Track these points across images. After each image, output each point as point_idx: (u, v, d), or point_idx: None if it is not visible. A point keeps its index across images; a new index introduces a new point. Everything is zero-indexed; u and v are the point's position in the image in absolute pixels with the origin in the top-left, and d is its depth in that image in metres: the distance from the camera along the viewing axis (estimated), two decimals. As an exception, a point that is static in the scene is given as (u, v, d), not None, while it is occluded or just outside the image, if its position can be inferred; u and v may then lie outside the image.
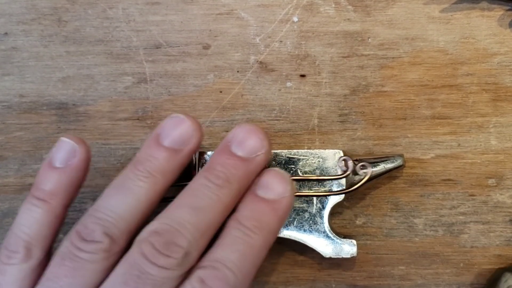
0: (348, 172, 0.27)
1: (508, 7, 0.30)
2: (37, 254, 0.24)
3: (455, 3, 0.30)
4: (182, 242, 0.22)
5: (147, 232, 0.23)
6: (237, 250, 0.23)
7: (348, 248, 0.27)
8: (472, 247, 0.29)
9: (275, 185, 0.25)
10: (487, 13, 0.30)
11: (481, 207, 0.29)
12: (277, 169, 0.26)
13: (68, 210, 0.26)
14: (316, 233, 0.27)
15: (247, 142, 0.25)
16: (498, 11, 0.30)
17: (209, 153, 0.28)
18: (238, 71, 0.30)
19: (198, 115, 0.30)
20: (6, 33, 0.31)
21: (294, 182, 0.27)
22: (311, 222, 0.27)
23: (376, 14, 0.30)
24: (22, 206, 0.25)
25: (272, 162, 0.27)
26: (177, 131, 0.25)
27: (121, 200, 0.24)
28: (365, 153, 0.30)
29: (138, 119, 0.30)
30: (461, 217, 0.29)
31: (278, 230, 0.25)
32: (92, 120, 0.30)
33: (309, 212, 0.27)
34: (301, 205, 0.27)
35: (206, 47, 0.31)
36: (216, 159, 0.25)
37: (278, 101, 0.30)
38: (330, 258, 0.27)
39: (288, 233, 0.27)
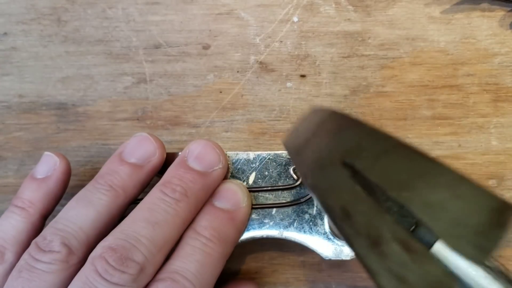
0: (298, 182, 0.27)
1: (509, 8, 0.30)
2: (10, 258, 0.24)
3: (456, 4, 0.30)
4: (137, 257, 0.22)
5: (101, 247, 0.22)
6: (196, 260, 0.23)
7: (348, 250, 0.27)
8: (472, 248, 0.29)
9: (232, 196, 0.26)
10: (488, 13, 0.30)
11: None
12: (233, 180, 0.27)
13: (45, 221, 0.26)
14: (316, 235, 0.27)
15: (205, 157, 0.26)
16: (499, 12, 0.30)
17: None
18: (238, 71, 0.30)
19: (198, 115, 0.30)
20: (5, 33, 0.31)
21: (253, 193, 0.27)
22: (311, 223, 0.27)
23: (376, 14, 0.30)
24: (3, 215, 0.26)
25: (273, 163, 0.27)
26: (140, 148, 0.26)
27: (81, 212, 0.24)
28: (365, 153, 0.29)
29: (137, 119, 0.30)
30: (461, 218, 0.29)
31: (236, 240, 0.26)
32: (92, 120, 0.30)
33: (309, 214, 0.27)
34: (302, 207, 0.27)
35: (206, 47, 0.30)
36: (173, 173, 0.25)
37: (278, 101, 0.30)
38: (330, 260, 0.27)
39: (288, 234, 0.27)
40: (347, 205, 0.18)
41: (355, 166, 0.18)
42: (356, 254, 0.17)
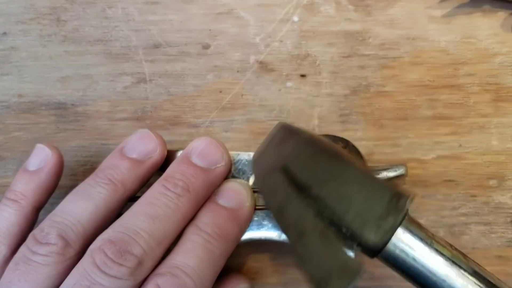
0: None
1: (511, 11, 0.29)
2: (4, 251, 0.24)
3: (457, 7, 0.30)
4: (136, 251, 0.22)
5: (100, 240, 0.22)
6: (197, 256, 0.23)
7: None
8: (473, 248, 0.29)
9: (236, 195, 0.26)
10: (489, 13, 0.30)
11: (482, 208, 0.29)
12: (238, 179, 0.27)
13: (38, 214, 0.26)
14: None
15: (208, 154, 0.25)
16: (501, 14, 0.30)
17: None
18: (238, 71, 0.30)
19: (198, 115, 0.30)
20: (4, 33, 0.31)
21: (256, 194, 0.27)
22: None
23: (376, 13, 0.30)
24: None
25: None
26: (141, 144, 0.26)
27: (79, 205, 0.24)
28: (365, 153, 0.29)
29: (137, 119, 0.30)
30: (462, 218, 0.29)
31: (237, 239, 0.25)
32: (91, 120, 0.30)
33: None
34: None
35: (206, 46, 0.30)
36: (175, 168, 0.25)
37: (278, 101, 0.30)
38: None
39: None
40: (281, 203, 0.22)
41: (290, 170, 0.22)
42: (290, 244, 0.21)
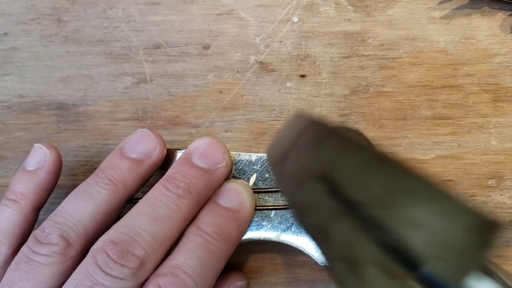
0: None
1: (510, 12, 0.30)
2: (5, 251, 0.25)
3: (456, 8, 0.30)
4: (138, 252, 0.22)
5: (102, 241, 0.23)
6: (198, 256, 0.23)
7: None
8: (472, 247, 0.29)
9: (237, 195, 0.26)
10: (488, 14, 0.30)
11: (481, 208, 0.29)
12: (239, 180, 0.27)
13: (38, 213, 0.26)
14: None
15: (209, 155, 0.26)
16: (500, 15, 0.30)
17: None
18: (238, 71, 0.30)
19: (198, 115, 0.30)
20: (6, 33, 0.31)
21: (256, 195, 0.27)
22: None
23: (376, 14, 0.30)
24: None
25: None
26: (141, 144, 0.26)
27: (80, 205, 0.24)
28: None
29: (138, 119, 0.30)
30: (461, 217, 0.29)
31: (238, 240, 0.26)
32: (92, 120, 0.30)
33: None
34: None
35: (206, 47, 0.31)
36: (177, 169, 0.25)
37: (278, 101, 0.30)
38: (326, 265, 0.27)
39: (286, 237, 0.27)
40: (326, 224, 0.16)
41: (333, 180, 0.17)
42: (336, 278, 0.16)
